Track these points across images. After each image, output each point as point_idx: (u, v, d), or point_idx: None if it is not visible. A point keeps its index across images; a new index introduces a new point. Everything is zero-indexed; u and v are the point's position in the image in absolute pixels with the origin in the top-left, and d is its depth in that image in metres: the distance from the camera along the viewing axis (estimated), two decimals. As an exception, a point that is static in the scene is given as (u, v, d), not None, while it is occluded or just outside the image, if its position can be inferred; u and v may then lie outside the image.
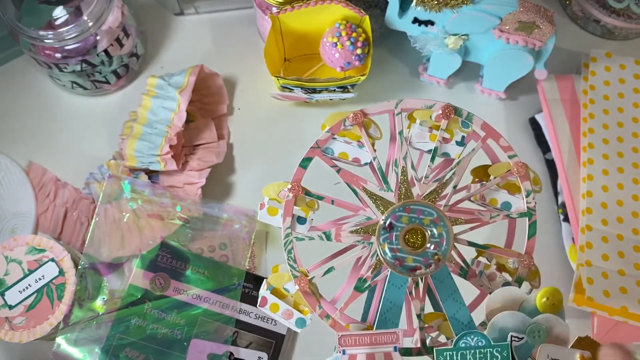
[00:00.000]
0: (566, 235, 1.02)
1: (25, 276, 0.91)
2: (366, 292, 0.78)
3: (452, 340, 0.71)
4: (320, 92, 1.02)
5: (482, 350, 0.69)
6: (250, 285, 0.98)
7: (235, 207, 1.02)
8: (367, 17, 0.99)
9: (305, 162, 0.76)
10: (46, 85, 1.11)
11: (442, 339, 0.79)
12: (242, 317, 0.97)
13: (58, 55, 0.99)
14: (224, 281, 0.98)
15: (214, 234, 1.00)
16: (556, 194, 1.05)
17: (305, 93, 1.02)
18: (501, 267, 0.79)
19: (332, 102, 1.09)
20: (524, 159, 0.78)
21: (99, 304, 0.94)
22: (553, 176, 1.06)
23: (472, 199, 0.78)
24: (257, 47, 1.11)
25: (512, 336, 0.70)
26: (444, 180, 0.76)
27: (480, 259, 0.80)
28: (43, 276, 0.91)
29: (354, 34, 0.99)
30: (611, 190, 1.00)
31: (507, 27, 0.97)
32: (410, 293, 0.75)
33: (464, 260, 0.77)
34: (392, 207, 0.73)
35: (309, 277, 0.75)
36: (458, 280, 0.75)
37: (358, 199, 0.76)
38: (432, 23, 0.99)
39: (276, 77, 1.00)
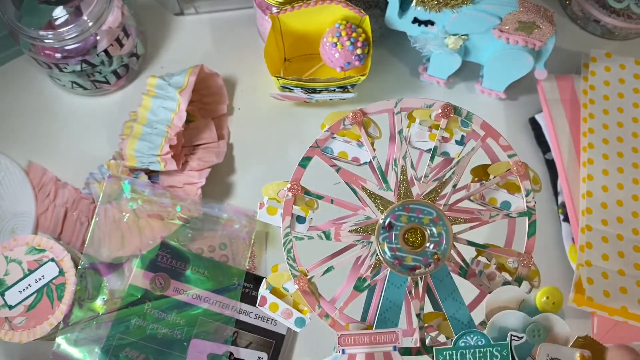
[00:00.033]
0: (566, 235, 1.02)
1: (25, 276, 0.91)
2: (366, 292, 0.78)
3: (451, 340, 0.71)
4: (320, 92, 1.02)
5: (482, 349, 0.69)
6: (250, 285, 0.98)
7: (235, 207, 1.02)
8: (367, 17, 0.99)
9: (304, 162, 0.76)
10: (46, 85, 1.11)
11: (442, 338, 0.79)
12: (242, 317, 0.97)
13: (58, 55, 0.99)
14: (224, 281, 0.98)
15: (214, 234, 1.00)
16: (556, 194, 1.05)
17: (305, 93, 1.02)
18: (501, 267, 0.79)
19: (332, 102, 1.09)
20: (524, 159, 0.78)
21: (99, 304, 0.94)
22: (553, 176, 1.06)
23: (471, 198, 0.78)
24: (257, 47, 1.11)
25: (511, 335, 0.70)
26: (444, 180, 0.76)
27: (480, 258, 0.80)
28: (43, 276, 0.91)
29: (354, 34, 0.99)
30: (611, 190, 1.00)
31: (507, 27, 0.97)
32: (410, 292, 0.75)
33: (463, 260, 0.77)
34: (392, 206, 0.73)
35: (308, 277, 0.75)
36: (458, 280, 0.75)
37: (357, 198, 0.76)
38: (432, 23, 0.99)
39: (276, 77, 1.00)
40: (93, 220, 0.98)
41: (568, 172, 1.02)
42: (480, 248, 0.77)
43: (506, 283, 0.77)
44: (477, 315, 0.75)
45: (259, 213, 0.77)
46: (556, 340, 0.71)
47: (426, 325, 0.78)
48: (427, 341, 0.77)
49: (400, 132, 0.77)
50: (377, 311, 0.74)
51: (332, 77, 1.01)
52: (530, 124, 1.10)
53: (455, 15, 0.95)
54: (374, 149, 0.77)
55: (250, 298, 0.98)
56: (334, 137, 0.77)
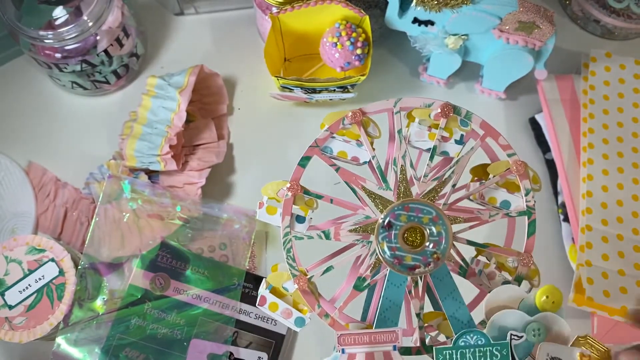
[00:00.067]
0: (566, 235, 1.02)
1: (25, 276, 0.91)
2: (366, 292, 0.78)
3: (451, 339, 0.71)
4: (320, 92, 1.02)
5: (482, 348, 0.69)
6: (250, 285, 0.98)
7: (235, 207, 1.02)
8: (367, 17, 0.99)
9: (304, 161, 0.76)
10: (46, 85, 1.11)
11: (442, 338, 0.79)
12: (242, 317, 0.97)
13: (58, 55, 0.99)
14: (224, 281, 0.98)
15: (214, 234, 1.00)
16: (556, 194, 1.05)
17: (305, 93, 1.02)
18: (501, 266, 0.79)
19: (332, 102, 1.09)
20: (524, 158, 0.78)
21: (99, 304, 0.94)
22: (553, 176, 1.06)
23: (471, 197, 0.78)
24: (257, 47, 1.11)
25: (511, 334, 0.70)
26: (443, 179, 0.76)
27: (480, 257, 0.80)
28: (43, 276, 0.91)
29: (354, 34, 0.99)
30: (611, 190, 1.00)
31: (507, 27, 0.97)
32: (410, 292, 0.75)
33: (463, 259, 0.77)
34: (391, 205, 0.73)
35: (308, 276, 0.75)
36: (457, 279, 0.75)
37: (357, 197, 0.76)
38: (432, 23, 0.99)
39: (276, 77, 1.00)
40: (93, 220, 0.98)
41: (568, 172, 1.02)
42: (480, 247, 0.77)
43: (506, 282, 0.77)
44: (477, 315, 0.75)
45: (259, 213, 0.77)
46: (556, 340, 0.70)
47: (426, 324, 0.78)
48: (427, 341, 0.77)
49: (399, 131, 0.77)
50: (376, 311, 0.74)
51: (332, 77, 1.01)
52: (530, 124, 1.10)
53: (455, 15, 0.95)
54: (374, 149, 0.77)
55: (250, 298, 0.98)
56: (333, 137, 0.77)
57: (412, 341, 0.77)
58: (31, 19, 0.97)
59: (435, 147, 0.77)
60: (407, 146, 0.77)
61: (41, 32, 0.95)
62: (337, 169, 0.77)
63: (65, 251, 0.92)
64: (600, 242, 0.97)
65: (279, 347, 0.97)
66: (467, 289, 0.77)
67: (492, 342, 0.69)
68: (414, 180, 0.76)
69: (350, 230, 0.75)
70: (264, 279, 0.78)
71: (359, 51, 0.99)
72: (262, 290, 0.77)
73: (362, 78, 0.99)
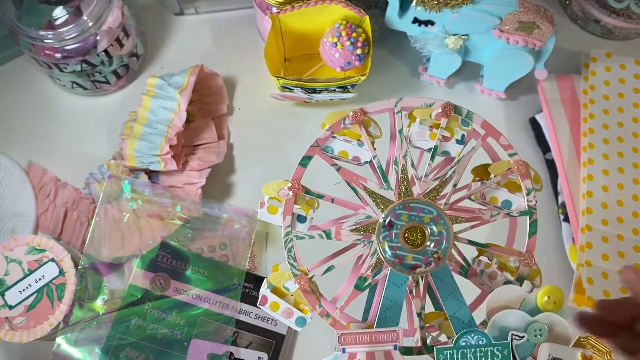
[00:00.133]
0: (566, 235, 1.02)
1: (26, 276, 0.91)
2: (367, 292, 0.78)
3: (452, 339, 0.71)
4: (320, 92, 1.02)
5: (483, 348, 0.69)
6: (250, 285, 0.98)
7: (235, 207, 1.02)
8: (367, 17, 0.99)
9: (305, 161, 0.76)
10: (46, 85, 1.11)
11: (443, 338, 0.79)
12: (242, 317, 0.97)
13: (58, 55, 0.99)
14: (224, 281, 0.98)
15: (214, 234, 1.00)
16: (556, 194, 1.05)
17: (305, 93, 1.02)
18: (502, 266, 0.79)
19: (332, 102, 1.09)
20: (524, 158, 0.78)
21: (99, 304, 0.94)
22: (553, 176, 1.06)
23: (472, 197, 0.78)
24: (257, 47, 1.11)
25: (512, 335, 0.70)
26: (444, 179, 0.76)
27: (481, 258, 0.80)
28: (43, 276, 0.91)
29: (354, 34, 0.99)
30: (611, 190, 1.00)
31: (507, 27, 0.97)
32: (411, 292, 0.75)
33: (464, 259, 0.77)
34: (392, 205, 0.73)
35: (309, 276, 0.75)
36: (459, 279, 0.75)
37: (358, 197, 0.76)
38: (432, 23, 0.99)
39: (276, 77, 1.00)
40: (93, 220, 0.97)
41: (568, 172, 1.02)
42: (482, 247, 0.77)
43: (507, 282, 0.77)
44: (479, 316, 0.75)
45: (260, 212, 0.77)
46: (557, 340, 0.70)
47: (427, 325, 0.78)
48: (428, 341, 0.77)
49: (400, 131, 0.77)
50: (377, 310, 0.74)
51: (332, 77, 1.01)
52: (531, 124, 1.10)
53: (455, 15, 0.95)
54: (375, 148, 0.77)
55: (250, 298, 0.98)
56: (334, 137, 0.77)
57: (414, 341, 0.76)
58: (31, 19, 0.97)
59: (436, 147, 0.77)
60: (408, 146, 0.77)
61: (41, 32, 0.95)
62: (338, 169, 0.76)
63: (65, 251, 0.92)
64: (600, 242, 0.97)
65: (279, 347, 0.97)
66: (468, 290, 0.77)
67: (493, 342, 0.69)
68: (415, 180, 0.76)
69: (352, 230, 0.75)
70: (265, 279, 0.78)
71: (359, 51, 0.99)
72: (264, 289, 0.77)
73: (362, 78, 0.99)
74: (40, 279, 0.91)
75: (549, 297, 0.71)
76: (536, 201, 0.77)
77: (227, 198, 1.06)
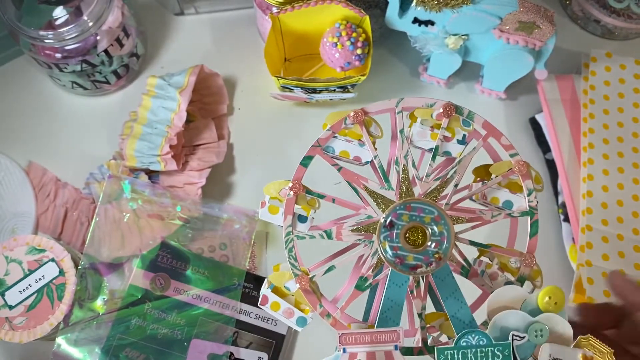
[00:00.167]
0: (566, 235, 1.02)
1: (26, 276, 0.90)
2: (368, 292, 0.78)
3: (453, 340, 0.71)
4: (320, 92, 1.02)
5: (484, 349, 0.68)
6: (250, 286, 0.98)
7: (235, 207, 1.02)
8: (367, 17, 0.99)
9: (306, 161, 0.76)
10: (46, 85, 1.11)
11: (444, 338, 0.79)
12: (243, 317, 0.97)
13: (58, 55, 0.99)
14: (224, 281, 0.98)
15: (214, 234, 1.00)
16: (556, 194, 1.05)
17: (305, 93, 1.02)
18: (503, 267, 0.78)
19: (332, 102, 1.09)
20: (524, 159, 0.78)
21: (99, 304, 0.94)
22: (553, 176, 1.06)
23: (473, 197, 0.78)
24: (257, 47, 1.11)
25: (513, 335, 0.70)
26: (445, 179, 0.76)
27: (482, 258, 0.80)
28: (43, 276, 0.91)
29: (354, 34, 0.98)
30: (611, 190, 1.00)
31: (507, 27, 0.97)
32: (412, 292, 0.75)
33: (465, 259, 0.77)
34: (393, 205, 0.73)
35: (309, 276, 0.75)
36: (459, 280, 0.75)
37: (359, 197, 0.76)
38: (432, 23, 0.99)
39: (276, 77, 1.00)
40: (93, 221, 0.97)
41: (568, 172, 1.02)
42: (483, 248, 0.77)
43: (508, 283, 0.77)
44: (480, 316, 0.75)
45: (261, 212, 0.77)
46: (558, 341, 0.70)
47: (428, 325, 0.78)
48: (428, 341, 0.77)
49: (401, 131, 0.77)
50: (378, 311, 0.73)
51: (332, 77, 1.01)
52: (531, 124, 1.10)
53: (455, 15, 0.95)
54: (376, 148, 0.77)
55: (250, 298, 0.98)
56: (335, 137, 0.77)
57: (414, 342, 0.76)
58: (31, 19, 0.97)
59: (437, 147, 0.77)
60: (409, 146, 0.77)
61: (41, 32, 0.95)
62: (339, 169, 0.76)
63: (65, 251, 0.92)
64: (600, 242, 0.97)
65: (279, 347, 0.97)
66: (469, 290, 0.77)
67: (494, 342, 0.69)
68: (416, 180, 0.76)
69: (352, 230, 0.75)
70: (266, 278, 0.78)
71: (359, 51, 0.99)
72: (264, 289, 0.77)
73: (362, 78, 0.99)
74: (40, 279, 0.91)
75: (549, 297, 0.71)
76: (537, 202, 0.77)
77: (227, 198, 1.06)
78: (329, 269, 0.75)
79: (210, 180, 1.03)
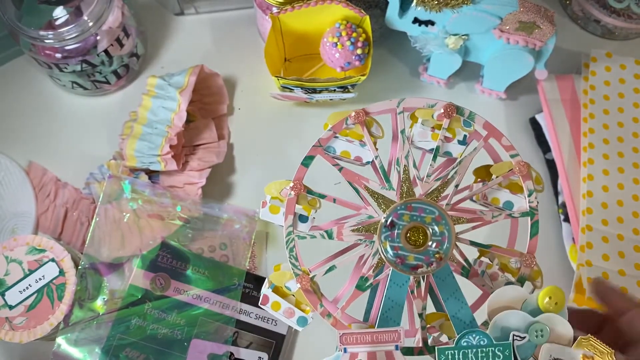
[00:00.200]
0: (566, 235, 1.02)
1: (26, 276, 0.90)
2: (368, 292, 0.78)
3: (454, 340, 0.71)
4: (320, 92, 1.02)
5: (484, 349, 0.68)
6: (250, 286, 0.98)
7: (235, 207, 1.02)
8: (367, 17, 0.99)
9: (307, 161, 0.76)
10: (46, 85, 1.11)
11: (444, 338, 0.79)
12: (243, 317, 0.97)
13: (58, 55, 0.99)
14: (225, 281, 0.98)
15: (214, 234, 1.00)
16: (556, 194, 1.05)
17: (306, 93, 1.02)
18: (503, 267, 0.78)
19: (332, 102, 1.09)
20: (525, 159, 0.78)
21: (99, 304, 0.94)
22: (553, 176, 1.06)
23: (474, 198, 0.78)
24: (257, 47, 1.11)
25: (514, 335, 0.70)
26: (446, 180, 0.76)
27: (483, 258, 0.80)
28: (43, 276, 0.91)
29: (354, 34, 0.98)
30: (611, 190, 1.00)
31: (507, 27, 0.97)
32: (412, 292, 0.75)
33: (466, 260, 0.77)
34: (394, 205, 0.73)
35: (310, 276, 0.75)
36: (460, 280, 0.75)
37: (360, 197, 0.76)
38: (432, 23, 0.99)
39: (276, 77, 1.00)
40: (93, 221, 0.97)
41: (568, 172, 1.02)
42: (483, 248, 0.77)
43: (509, 283, 0.77)
44: (480, 317, 0.75)
45: (262, 212, 0.77)
46: (559, 341, 0.70)
47: (429, 326, 0.78)
48: (429, 341, 0.77)
49: (402, 131, 0.77)
50: (379, 311, 0.73)
51: (333, 77, 1.01)
52: (531, 124, 1.10)
53: (455, 15, 0.95)
54: (377, 149, 0.77)
55: (250, 298, 0.98)
56: (336, 137, 0.77)
57: (415, 342, 0.76)
58: (31, 19, 0.97)
59: (438, 148, 0.77)
60: (410, 146, 0.77)
61: (41, 32, 0.95)
62: (340, 169, 0.76)
63: (65, 251, 0.92)
64: (600, 242, 0.97)
65: (279, 347, 0.97)
66: (469, 290, 0.77)
67: (494, 342, 0.69)
68: (417, 180, 0.75)
69: (353, 230, 0.75)
70: (266, 278, 0.78)
71: (359, 51, 0.99)
72: (265, 289, 0.77)
73: (363, 78, 0.99)
74: (40, 279, 0.91)
75: (550, 297, 0.71)
76: (538, 202, 0.77)
77: (227, 198, 1.06)
78: (330, 269, 0.75)
79: (210, 180, 1.03)
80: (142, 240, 0.98)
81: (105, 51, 1.02)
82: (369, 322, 0.76)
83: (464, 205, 0.78)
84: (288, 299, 0.77)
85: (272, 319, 0.97)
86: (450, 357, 0.69)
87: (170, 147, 0.98)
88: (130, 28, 1.06)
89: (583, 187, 1.00)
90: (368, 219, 0.75)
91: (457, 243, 0.75)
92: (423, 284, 0.75)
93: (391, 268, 0.72)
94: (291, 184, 0.75)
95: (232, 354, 0.95)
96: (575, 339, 0.69)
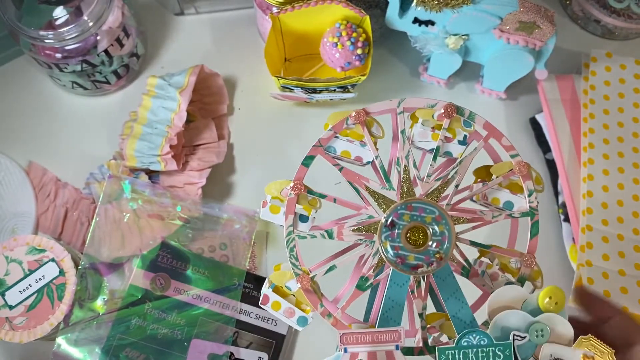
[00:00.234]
0: (566, 235, 1.02)
1: (26, 276, 0.90)
2: (369, 292, 0.78)
3: (454, 340, 0.71)
4: (320, 92, 1.02)
5: (485, 349, 0.68)
6: (250, 286, 0.98)
7: (235, 207, 1.02)
8: (367, 17, 0.99)
9: (307, 161, 0.76)
10: (46, 85, 1.11)
11: (444, 338, 0.79)
12: (243, 317, 0.97)
13: (58, 55, 0.99)
14: (225, 281, 0.98)
15: (214, 234, 1.00)
16: (556, 194, 1.05)
17: (306, 93, 1.02)
18: (504, 267, 0.78)
19: (332, 102, 1.09)
20: (525, 159, 0.78)
21: (99, 304, 0.94)
22: (553, 176, 1.06)
23: (474, 198, 0.78)
24: (257, 47, 1.11)
25: (514, 335, 0.70)
26: (446, 180, 0.76)
27: (483, 259, 0.80)
28: (43, 276, 0.91)
29: (354, 34, 0.99)
30: (611, 190, 1.00)
31: (507, 27, 0.97)
32: (412, 292, 0.75)
33: (466, 260, 0.77)
34: (394, 204, 0.73)
35: (310, 276, 0.75)
36: (460, 281, 0.75)
37: (360, 197, 0.76)
38: (432, 23, 0.99)
39: (276, 77, 1.00)
40: (93, 221, 0.97)
41: (568, 172, 1.02)
42: (483, 248, 0.77)
43: (509, 283, 0.77)
44: (480, 317, 0.75)
45: (262, 212, 0.77)
46: (559, 340, 0.70)
47: (429, 326, 0.78)
48: (429, 341, 0.77)
49: (403, 131, 0.76)
50: (379, 310, 0.73)
51: (333, 77, 1.01)
52: (531, 124, 1.10)
53: (455, 15, 0.95)
54: (377, 149, 0.77)
55: (250, 298, 0.98)
56: (337, 137, 0.77)
57: (415, 342, 0.76)
58: (31, 19, 0.97)
59: (438, 148, 0.77)
60: (411, 146, 0.77)
61: (41, 32, 0.95)
62: (341, 169, 0.76)
63: (65, 251, 0.92)
64: (600, 242, 0.97)
65: (279, 347, 0.97)
66: (469, 291, 0.77)
67: (495, 342, 0.69)
68: (417, 180, 0.75)
69: (353, 230, 0.75)
70: (267, 278, 0.78)
71: (359, 51, 0.99)
72: (265, 289, 0.77)
73: (363, 78, 0.99)
74: (40, 279, 0.91)
75: (550, 297, 0.71)
76: (538, 202, 0.77)
77: (227, 198, 1.06)
78: (330, 269, 0.75)
79: (211, 180, 1.03)
80: (142, 240, 0.98)
81: (106, 51, 1.02)
82: (370, 322, 0.76)
83: (464, 206, 0.78)
84: (288, 299, 0.77)
85: (272, 319, 0.97)
86: (450, 357, 0.69)
87: (170, 147, 0.98)
88: (131, 28, 1.06)
89: (583, 187, 1.00)
90: (368, 218, 0.75)
91: (458, 243, 0.75)
92: (423, 284, 0.75)
93: (391, 268, 0.72)
94: (292, 184, 0.75)
95: (232, 354, 0.95)
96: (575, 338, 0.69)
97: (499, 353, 0.68)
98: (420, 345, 0.75)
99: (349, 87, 1.01)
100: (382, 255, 0.72)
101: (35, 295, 0.90)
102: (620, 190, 1.00)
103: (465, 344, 0.69)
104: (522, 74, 1.04)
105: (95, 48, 1.00)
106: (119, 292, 0.95)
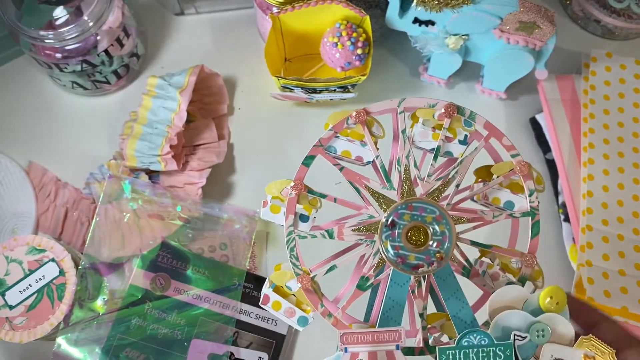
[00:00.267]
0: (567, 235, 1.02)
1: (26, 276, 0.90)
2: (369, 293, 0.78)
3: (455, 340, 0.71)
4: (320, 92, 1.02)
5: (485, 348, 0.68)
6: (250, 286, 0.98)
7: (235, 207, 1.02)
8: (367, 17, 0.99)
9: (308, 160, 0.76)
10: (46, 85, 1.11)
11: (445, 338, 0.79)
12: (243, 317, 0.97)
13: (58, 55, 0.99)
14: (225, 281, 0.98)
15: (214, 234, 1.00)
16: (557, 194, 1.05)
17: (306, 93, 1.02)
18: (504, 267, 0.78)
19: (332, 102, 1.09)
20: (525, 159, 0.78)
21: (99, 304, 0.94)
22: (553, 176, 1.06)
23: (475, 198, 0.78)
24: (257, 47, 1.11)
25: (515, 335, 0.70)
26: (447, 179, 0.76)
27: (483, 259, 0.80)
28: (43, 276, 0.91)
29: (354, 34, 0.99)
30: (612, 190, 1.00)
31: (507, 27, 0.97)
32: (413, 292, 0.75)
33: (466, 260, 0.77)
34: (395, 204, 0.73)
35: (311, 275, 0.75)
36: (461, 281, 0.75)
37: (361, 197, 0.76)
38: (432, 23, 0.99)
39: (276, 77, 1.00)
40: (93, 221, 0.97)
41: (569, 172, 1.02)
42: (484, 248, 0.77)
43: (510, 283, 0.77)
44: (481, 317, 0.75)
45: (263, 211, 0.77)
46: (560, 341, 0.70)
47: (429, 326, 0.78)
48: (430, 341, 0.77)
49: (403, 131, 0.76)
50: (379, 310, 0.73)
51: (333, 77, 1.01)
52: (531, 124, 1.10)
53: (455, 15, 0.95)
54: (377, 149, 0.77)
55: (250, 298, 0.98)
56: (337, 136, 0.77)
57: (416, 342, 0.76)
58: (31, 19, 0.97)
59: (439, 147, 0.77)
60: (411, 146, 0.77)
61: (41, 32, 0.95)
62: (341, 169, 0.76)
63: (65, 251, 0.92)
64: (600, 242, 0.97)
65: (279, 347, 0.97)
66: (470, 291, 0.77)
67: (495, 342, 0.69)
68: (418, 180, 0.75)
69: (354, 230, 0.74)
70: (267, 278, 0.78)
71: (359, 51, 0.99)
72: (266, 289, 0.77)
73: (363, 78, 0.99)
74: (40, 279, 0.91)
75: (551, 297, 0.71)
76: (539, 202, 0.77)
77: (227, 198, 1.06)
78: (331, 269, 0.75)
79: (211, 180, 1.03)
80: (142, 240, 0.98)
81: (106, 51, 1.02)
82: (370, 322, 0.76)
83: (464, 205, 0.78)
84: (289, 299, 0.77)
85: (272, 319, 0.97)
86: (451, 356, 0.69)
87: (171, 147, 0.98)
88: (131, 28, 1.06)
89: (583, 187, 1.00)
90: (369, 218, 0.75)
91: (458, 243, 0.75)
92: (424, 284, 0.75)
93: (392, 268, 0.72)
94: (292, 184, 0.75)
95: (232, 354, 0.95)
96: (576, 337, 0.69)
97: (500, 353, 0.68)
98: (421, 345, 0.75)
99: (349, 87, 1.01)
100: (383, 255, 0.72)
101: (35, 295, 0.90)
102: (620, 190, 1.00)
103: (466, 344, 0.69)
104: (522, 74, 1.04)
105: (96, 48, 1.00)
106: (119, 292, 0.95)
